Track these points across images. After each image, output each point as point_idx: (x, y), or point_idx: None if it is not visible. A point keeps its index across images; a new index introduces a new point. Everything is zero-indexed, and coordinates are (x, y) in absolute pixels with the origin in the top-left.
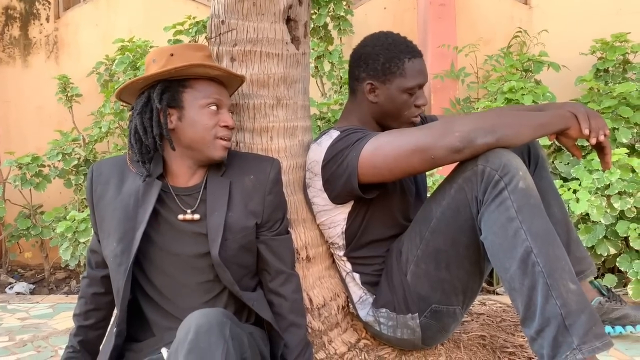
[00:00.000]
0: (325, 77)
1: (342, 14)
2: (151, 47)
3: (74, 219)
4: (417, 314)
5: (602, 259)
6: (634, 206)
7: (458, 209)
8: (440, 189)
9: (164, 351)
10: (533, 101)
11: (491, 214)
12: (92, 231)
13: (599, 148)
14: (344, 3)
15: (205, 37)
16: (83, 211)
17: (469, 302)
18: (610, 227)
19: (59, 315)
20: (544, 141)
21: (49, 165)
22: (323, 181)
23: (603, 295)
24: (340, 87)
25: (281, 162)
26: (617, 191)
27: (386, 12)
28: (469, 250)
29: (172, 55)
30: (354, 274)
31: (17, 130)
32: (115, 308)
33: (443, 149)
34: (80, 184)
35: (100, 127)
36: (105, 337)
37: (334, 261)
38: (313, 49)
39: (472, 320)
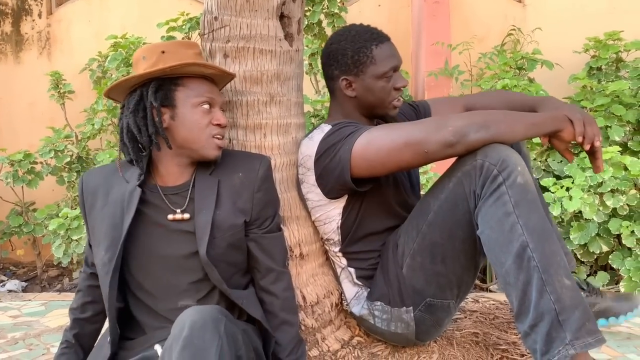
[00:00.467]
0: (319, 74)
1: (336, 11)
2: (144, 43)
3: (67, 216)
4: (411, 308)
5: (595, 257)
6: (627, 204)
7: (456, 202)
8: (439, 183)
9: (158, 347)
10: None
11: (488, 209)
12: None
13: (591, 152)
14: (338, 0)
15: (199, 34)
16: (75, 208)
17: (462, 296)
18: (603, 224)
19: (51, 313)
20: (538, 139)
21: (41, 162)
22: (316, 176)
23: (583, 290)
24: None
25: (274, 159)
26: (609, 189)
27: (380, 9)
28: (465, 244)
29: (163, 52)
30: (350, 269)
31: (9, 127)
32: (107, 317)
33: (436, 143)
34: (72, 181)
35: (93, 124)
36: (97, 341)
37: (327, 258)
38: (307, 46)
39: (465, 317)
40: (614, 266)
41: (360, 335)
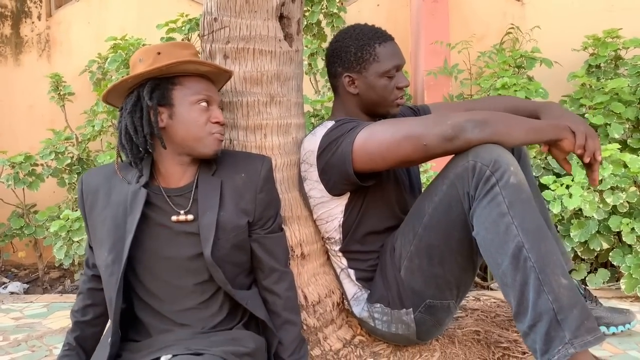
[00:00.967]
0: (318, 74)
1: (335, 11)
2: (144, 44)
3: (68, 218)
4: (411, 309)
5: (595, 254)
6: (627, 201)
7: (450, 204)
8: (433, 185)
9: (166, 357)
10: (526, 97)
11: (483, 210)
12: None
13: (588, 165)
14: (337, 0)
15: (198, 35)
16: (76, 210)
17: (462, 296)
18: (603, 222)
19: (53, 315)
20: None
21: (42, 164)
22: (319, 171)
23: (580, 294)
24: None
25: (275, 159)
26: (609, 186)
27: (379, 9)
28: (462, 245)
29: (159, 53)
30: (349, 270)
31: (9, 129)
32: (109, 318)
33: (435, 136)
34: (73, 182)
35: (93, 126)
36: (99, 343)
37: (328, 258)
38: (306, 47)
39: (467, 315)
40: (615, 263)
41: (362, 334)
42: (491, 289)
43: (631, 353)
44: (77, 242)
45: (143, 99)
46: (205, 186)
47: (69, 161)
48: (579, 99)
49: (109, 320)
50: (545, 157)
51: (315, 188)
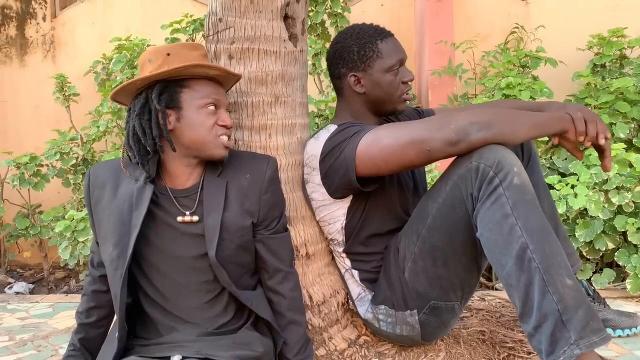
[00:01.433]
0: (322, 74)
1: (339, 10)
2: (148, 45)
3: (73, 218)
4: (415, 311)
5: (600, 254)
6: (632, 201)
7: (453, 206)
8: (436, 186)
9: (177, 358)
10: (530, 97)
11: (486, 211)
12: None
13: (600, 150)
14: (341, 0)
15: (203, 35)
16: (81, 210)
17: (467, 298)
18: (608, 221)
19: (58, 315)
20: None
21: (47, 165)
22: (321, 175)
23: (589, 295)
24: None
25: (280, 159)
26: (615, 186)
27: (383, 9)
28: (466, 246)
29: (168, 54)
30: (353, 270)
31: (15, 130)
32: (115, 313)
33: (439, 141)
34: (78, 183)
35: (98, 126)
36: (105, 340)
37: (333, 258)
38: (310, 46)
39: (472, 315)
40: (620, 263)
41: (366, 334)
42: (496, 289)
43: (637, 353)
44: (82, 242)
45: (151, 101)
46: (210, 187)
47: (73, 162)
48: (584, 99)
49: (115, 316)
50: (550, 157)
51: (318, 191)
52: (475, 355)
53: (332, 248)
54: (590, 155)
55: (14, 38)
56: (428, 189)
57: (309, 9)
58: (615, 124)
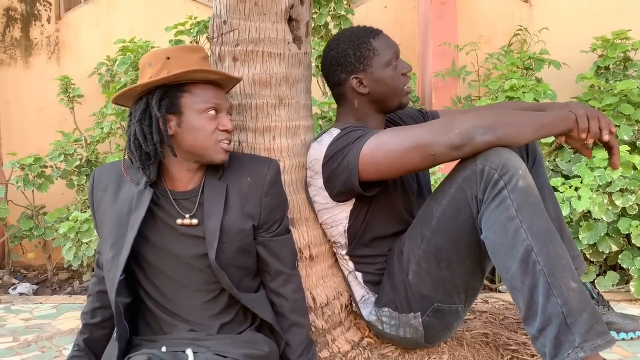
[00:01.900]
0: None
1: (342, 13)
2: (152, 47)
3: (77, 220)
4: (419, 313)
5: (604, 257)
6: (636, 203)
7: (458, 208)
8: (440, 189)
9: (190, 352)
10: (534, 99)
11: (491, 214)
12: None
13: (607, 147)
14: (345, 2)
15: (207, 38)
16: (85, 211)
17: (471, 300)
18: (612, 224)
19: (62, 316)
20: (545, 138)
21: (51, 166)
22: (324, 179)
23: (593, 298)
24: None
25: (283, 161)
26: (618, 188)
27: (386, 11)
28: (470, 249)
29: (168, 58)
30: (357, 272)
31: (19, 131)
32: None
33: (443, 146)
34: (82, 184)
35: (102, 128)
36: (110, 340)
37: (336, 260)
38: (314, 49)
39: (475, 318)
40: (624, 266)
41: (370, 336)
42: (499, 292)
43: None
44: (86, 243)
45: (152, 107)
46: (211, 190)
47: (77, 163)
48: (587, 101)
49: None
50: (554, 159)
51: (320, 194)
52: (478, 358)
53: (335, 250)
54: (594, 157)
55: (18, 40)
56: (432, 190)
57: (313, 11)
58: (619, 126)
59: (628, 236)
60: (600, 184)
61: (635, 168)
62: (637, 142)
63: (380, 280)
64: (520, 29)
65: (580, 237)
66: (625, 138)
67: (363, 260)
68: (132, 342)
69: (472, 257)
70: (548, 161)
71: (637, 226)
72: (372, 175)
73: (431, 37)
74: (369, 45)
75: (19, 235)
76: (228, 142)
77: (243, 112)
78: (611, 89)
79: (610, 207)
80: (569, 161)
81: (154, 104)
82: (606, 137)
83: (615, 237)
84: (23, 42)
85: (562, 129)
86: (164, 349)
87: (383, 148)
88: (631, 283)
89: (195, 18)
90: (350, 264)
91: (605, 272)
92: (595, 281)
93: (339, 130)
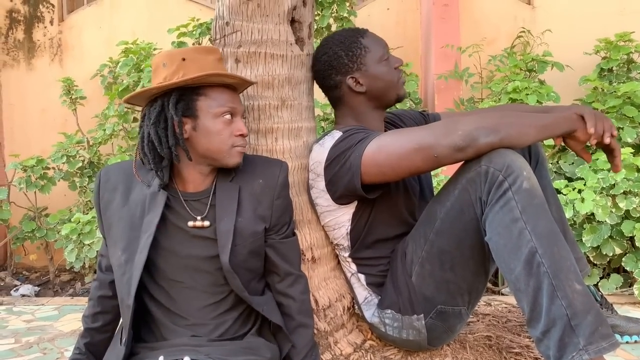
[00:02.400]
0: None
1: (345, 15)
2: (155, 49)
3: (79, 221)
4: (422, 315)
5: (608, 259)
6: None
7: (462, 209)
8: (444, 190)
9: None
10: (537, 101)
11: (495, 215)
12: (101, 235)
13: (608, 150)
14: (347, 4)
15: (209, 39)
16: (88, 213)
17: (474, 303)
18: (616, 226)
19: (64, 317)
20: (548, 140)
21: (53, 168)
22: (326, 182)
23: (597, 301)
24: None
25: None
26: (622, 191)
27: (389, 13)
28: (474, 250)
29: (184, 59)
30: (359, 274)
31: (22, 132)
32: (121, 318)
33: (446, 148)
34: (84, 186)
35: (104, 130)
36: (110, 345)
37: (339, 262)
38: None
39: (478, 320)
40: (627, 268)
41: (372, 338)
42: (502, 294)
43: None
44: (88, 245)
45: (168, 110)
46: (223, 192)
47: (80, 164)
48: (591, 103)
49: (121, 320)
50: (557, 162)
51: (322, 197)
52: None
53: (338, 253)
54: (597, 159)
55: (21, 41)
56: (434, 192)
57: (315, 13)
58: (622, 128)
59: (632, 239)
60: (604, 186)
61: (638, 170)
62: None
63: (383, 282)
64: (523, 31)
65: (583, 239)
66: (629, 140)
67: (366, 262)
68: (132, 348)
69: (476, 258)
70: (551, 163)
71: None
72: (375, 177)
73: (434, 39)
74: (360, 44)
75: (21, 237)
76: (243, 146)
77: (245, 113)
78: (615, 91)
79: (613, 210)
80: (572, 163)
81: (171, 106)
82: (607, 140)
83: (619, 240)
84: (26, 43)
85: (565, 130)
86: (161, 358)
87: (385, 150)
88: (635, 286)
89: (197, 20)
90: (353, 266)
91: (608, 274)
92: (599, 284)
93: (341, 133)
